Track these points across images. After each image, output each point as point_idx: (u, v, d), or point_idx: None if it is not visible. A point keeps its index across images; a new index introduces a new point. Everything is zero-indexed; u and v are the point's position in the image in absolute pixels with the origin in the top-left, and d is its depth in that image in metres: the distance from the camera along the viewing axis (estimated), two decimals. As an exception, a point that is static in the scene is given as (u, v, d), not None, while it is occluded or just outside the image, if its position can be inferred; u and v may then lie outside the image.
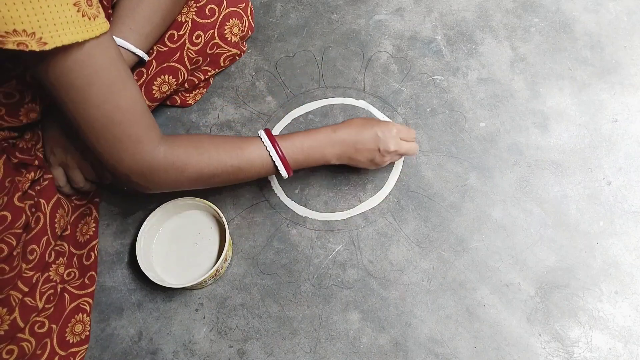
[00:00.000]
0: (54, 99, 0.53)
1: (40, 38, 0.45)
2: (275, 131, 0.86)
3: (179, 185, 0.64)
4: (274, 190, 0.82)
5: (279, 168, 0.68)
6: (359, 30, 0.93)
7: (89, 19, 0.49)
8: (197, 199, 0.75)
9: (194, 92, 0.87)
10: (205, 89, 0.88)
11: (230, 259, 0.77)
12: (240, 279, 0.76)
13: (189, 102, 0.87)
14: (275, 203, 0.81)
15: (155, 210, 0.75)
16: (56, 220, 0.69)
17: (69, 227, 0.73)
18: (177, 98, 0.86)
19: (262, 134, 0.67)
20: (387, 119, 0.86)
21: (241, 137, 0.69)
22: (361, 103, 0.87)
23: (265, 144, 0.67)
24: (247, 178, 0.68)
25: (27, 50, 0.44)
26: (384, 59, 0.91)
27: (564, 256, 0.76)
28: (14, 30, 0.43)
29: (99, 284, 0.76)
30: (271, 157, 0.67)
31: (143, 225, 0.74)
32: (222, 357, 0.72)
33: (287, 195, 0.82)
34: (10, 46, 0.44)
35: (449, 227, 0.78)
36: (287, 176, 0.69)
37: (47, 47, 0.45)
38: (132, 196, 0.82)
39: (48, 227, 0.67)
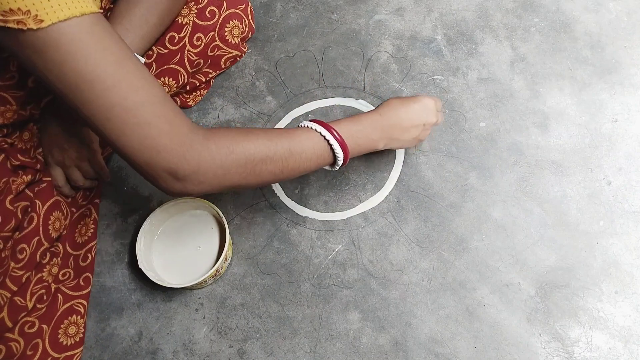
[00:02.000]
0: (60, 95, 0.49)
1: (36, 15, 0.43)
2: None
3: (228, 173, 0.54)
4: (274, 190, 0.82)
5: (336, 153, 0.62)
6: (359, 30, 0.93)
7: None
8: (197, 198, 0.75)
9: (194, 93, 0.87)
10: (205, 90, 0.88)
11: (230, 259, 0.77)
12: (240, 279, 0.76)
13: (189, 103, 0.87)
14: (275, 203, 0.81)
15: (156, 210, 0.75)
16: (50, 222, 0.68)
17: (66, 228, 0.73)
18: (177, 99, 0.86)
19: (308, 122, 0.62)
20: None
21: (290, 128, 0.63)
22: (361, 103, 0.87)
23: (317, 128, 0.61)
24: (300, 166, 0.61)
25: (26, 28, 0.43)
26: (384, 58, 0.91)
27: (564, 256, 0.76)
28: (10, 9, 0.42)
29: (99, 284, 0.76)
30: (328, 141, 0.61)
31: (143, 225, 0.74)
32: (222, 357, 0.72)
33: (287, 195, 0.82)
34: (11, 25, 0.43)
35: (449, 227, 0.78)
36: (341, 163, 0.64)
37: (44, 25, 0.44)
38: (132, 196, 0.82)
39: (41, 228, 0.67)
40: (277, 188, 0.82)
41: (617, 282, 0.74)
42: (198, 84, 0.85)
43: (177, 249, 0.76)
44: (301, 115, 0.87)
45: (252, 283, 0.76)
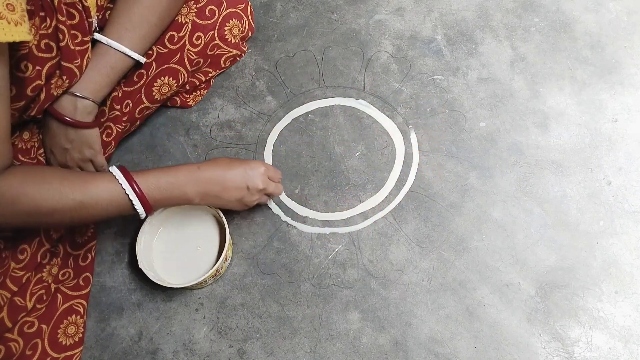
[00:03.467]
0: None
1: None
2: (276, 130, 0.86)
3: (9, 220, 0.56)
4: (274, 190, 0.82)
5: (135, 205, 0.61)
6: (359, 30, 0.93)
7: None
8: (197, 198, 0.75)
9: (194, 93, 0.87)
10: (205, 90, 0.88)
11: (230, 259, 0.77)
12: (240, 279, 0.76)
13: (189, 103, 0.87)
14: (276, 203, 0.81)
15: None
16: None
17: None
18: (178, 99, 0.86)
19: (114, 170, 0.61)
20: (387, 119, 0.86)
21: (92, 172, 0.63)
22: (361, 103, 0.87)
23: (118, 178, 0.60)
24: (93, 217, 0.60)
25: None
26: (384, 58, 0.91)
27: (564, 256, 0.76)
28: None
29: (99, 284, 0.76)
30: (127, 194, 0.60)
31: (143, 225, 0.74)
32: (222, 357, 0.72)
33: (287, 195, 0.82)
34: None
35: (449, 226, 0.78)
36: (144, 215, 0.63)
37: None
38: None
39: (42, 229, 0.67)
40: (277, 188, 0.82)
41: (617, 282, 0.74)
42: (198, 84, 0.85)
43: (177, 249, 0.76)
44: (301, 115, 0.87)
45: (252, 283, 0.76)
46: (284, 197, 0.81)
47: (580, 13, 0.93)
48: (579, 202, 0.79)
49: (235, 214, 0.80)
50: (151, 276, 0.71)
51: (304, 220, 0.80)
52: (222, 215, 0.74)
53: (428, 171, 0.82)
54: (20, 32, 0.48)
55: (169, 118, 0.87)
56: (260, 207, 0.81)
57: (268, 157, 0.85)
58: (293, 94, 0.89)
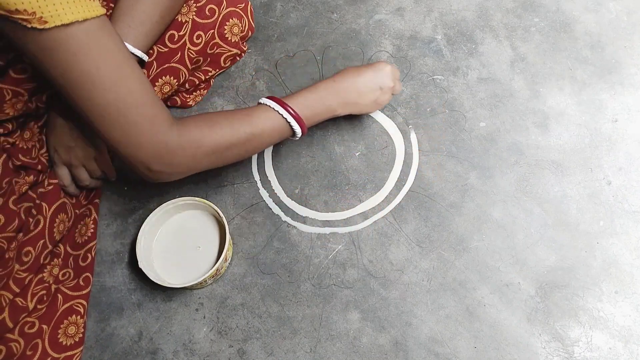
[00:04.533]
0: (60, 89, 0.53)
1: (41, 17, 0.46)
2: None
3: (198, 163, 0.63)
4: (274, 190, 0.82)
5: (293, 126, 0.67)
6: (359, 30, 0.93)
7: None
8: (197, 198, 0.75)
9: (194, 93, 0.87)
10: (205, 90, 0.88)
11: (230, 259, 0.77)
12: (240, 279, 0.76)
13: (190, 103, 0.87)
14: (276, 203, 0.81)
15: (155, 210, 0.75)
16: (55, 225, 0.69)
17: (69, 229, 0.73)
18: (178, 99, 0.86)
19: (265, 100, 0.67)
20: (387, 119, 0.86)
21: (247, 108, 0.69)
22: (361, 103, 0.87)
23: (273, 106, 0.66)
24: (263, 144, 0.68)
25: (30, 26, 0.45)
26: (384, 58, 0.91)
27: (564, 256, 0.76)
28: (16, 10, 0.44)
29: (99, 284, 0.76)
30: (284, 117, 0.66)
31: (143, 225, 0.74)
32: (222, 356, 0.72)
33: (287, 195, 0.82)
34: (17, 20, 0.45)
35: (449, 226, 0.78)
36: (300, 134, 0.69)
37: (47, 25, 0.46)
38: (132, 196, 0.82)
39: (47, 230, 0.67)
40: (278, 188, 0.82)
41: (617, 282, 0.74)
42: (197, 82, 0.85)
43: (177, 249, 0.76)
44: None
45: (252, 283, 0.76)
46: (283, 197, 0.81)
47: (580, 13, 0.93)
48: (579, 202, 0.79)
49: (235, 214, 0.80)
50: (151, 276, 0.71)
51: (304, 220, 0.80)
52: (222, 215, 0.74)
53: (428, 171, 0.82)
54: (98, 6, 0.51)
55: (169, 118, 0.87)
56: (260, 207, 0.81)
57: (268, 157, 0.85)
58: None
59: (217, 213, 0.74)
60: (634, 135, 0.83)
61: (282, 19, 0.95)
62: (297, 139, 0.70)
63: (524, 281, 0.74)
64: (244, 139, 0.64)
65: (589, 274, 0.75)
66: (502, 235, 0.77)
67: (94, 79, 0.51)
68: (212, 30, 0.79)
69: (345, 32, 0.93)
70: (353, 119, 0.86)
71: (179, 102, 0.86)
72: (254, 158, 0.85)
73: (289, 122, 0.67)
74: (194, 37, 0.78)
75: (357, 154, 0.84)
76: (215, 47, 0.82)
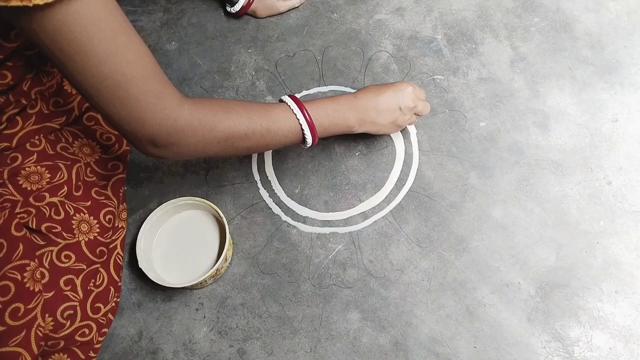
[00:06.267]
0: (56, 64, 0.49)
1: None
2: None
3: (208, 147, 0.59)
4: (274, 190, 0.82)
5: (305, 133, 0.65)
6: (359, 30, 0.93)
7: None
8: (197, 198, 0.75)
9: None
10: None
11: (230, 259, 0.77)
12: (241, 279, 0.76)
13: None
14: (276, 203, 0.81)
15: (155, 210, 0.75)
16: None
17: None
18: None
19: (287, 99, 0.65)
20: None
21: (268, 103, 0.66)
22: (361, 103, 0.87)
23: (293, 108, 0.64)
24: (274, 143, 0.65)
25: (31, 5, 0.43)
26: (384, 58, 0.91)
27: (564, 256, 0.76)
28: None
29: (99, 284, 0.76)
30: (299, 121, 0.64)
31: (143, 225, 0.74)
32: (222, 356, 0.72)
33: (287, 195, 0.82)
34: (14, 3, 0.42)
35: (449, 226, 0.78)
36: (311, 143, 0.67)
37: (31, 3, 0.43)
38: (132, 196, 0.82)
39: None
40: (278, 188, 0.82)
41: (618, 282, 0.74)
42: None
43: (177, 249, 0.76)
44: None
45: (252, 283, 0.76)
46: (283, 197, 0.81)
47: (580, 13, 0.93)
48: (579, 202, 0.79)
49: (235, 214, 0.80)
50: (151, 276, 0.71)
51: (304, 220, 0.80)
52: (222, 215, 0.74)
53: (428, 171, 0.82)
54: None
55: (169, 118, 0.87)
56: (260, 207, 0.81)
57: (268, 157, 0.85)
58: (293, 93, 0.89)
59: (217, 213, 0.74)
60: (634, 135, 0.83)
61: (282, 19, 0.95)
62: (307, 147, 0.69)
63: (524, 281, 0.74)
64: (259, 132, 0.62)
65: (589, 273, 0.75)
66: (502, 235, 0.77)
67: (87, 50, 0.47)
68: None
69: (345, 32, 0.93)
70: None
71: None
72: (254, 158, 0.85)
73: (302, 129, 0.65)
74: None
75: (357, 154, 0.84)
76: None
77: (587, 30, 0.91)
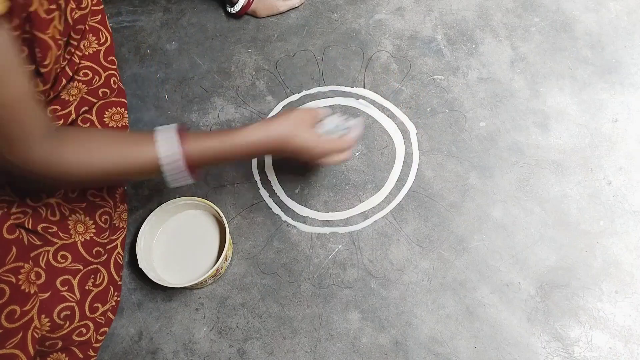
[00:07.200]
0: None
1: None
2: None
3: (77, 182, 0.60)
4: (274, 190, 0.82)
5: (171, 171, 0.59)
6: (359, 30, 0.93)
7: None
8: (197, 198, 0.75)
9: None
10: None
11: (230, 259, 0.77)
12: (241, 279, 0.76)
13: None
14: (276, 203, 0.81)
15: (155, 210, 0.75)
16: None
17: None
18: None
19: (161, 135, 0.59)
20: (387, 119, 0.86)
21: (135, 135, 0.61)
22: (361, 103, 0.87)
23: (164, 151, 0.58)
24: (135, 179, 0.64)
25: None
26: (384, 58, 0.91)
27: (564, 256, 0.76)
28: None
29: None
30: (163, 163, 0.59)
31: (143, 225, 0.74)
32: (222, 356, 0.72)
33: (287, 195, 0.82)
34: None
35: (449, 226, 0.78)
36: (182, 178, 0.61)
37: None
38: (132, 196, 0.82)
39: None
40: (278, 188, 0.82)
41: (618, 282, 0.74)
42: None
43: (177, 249, 0.76)
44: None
45: (252, 283, 0.76)
46: (283, 197, 0.81)
47: (580, 13, 0.93)
48: (579, 202, 0.79)
49: (235, 214, 0.80)
50: (151, 276, 0.71)
51: (304, 220, 0.80)
52: (222, 215, 0.74)
53: (428, 171, 0.82)
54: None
55: (170, 118, 0.87)
56: (260, 207, 0.81)
57: (268, 157, 0.85)
58: (293, 93, 0.89)
59: (217, 213, 0.74)
60: (634, 135, 0.83)
61: (282, 19, 0.95)
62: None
63: (524, 281, 0.74)
64: (116, 175, 0.59)
65: (589, 273, 0.75)
66: (502, 235, 0.77)
67: None
68: None
69: (345, 32, 0.93)
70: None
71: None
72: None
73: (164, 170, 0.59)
74: None
75: (357, 154, 0.84)
76: None
77: (587, 30, 0.91)
